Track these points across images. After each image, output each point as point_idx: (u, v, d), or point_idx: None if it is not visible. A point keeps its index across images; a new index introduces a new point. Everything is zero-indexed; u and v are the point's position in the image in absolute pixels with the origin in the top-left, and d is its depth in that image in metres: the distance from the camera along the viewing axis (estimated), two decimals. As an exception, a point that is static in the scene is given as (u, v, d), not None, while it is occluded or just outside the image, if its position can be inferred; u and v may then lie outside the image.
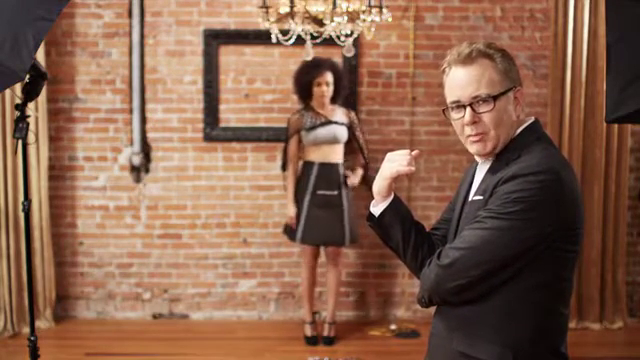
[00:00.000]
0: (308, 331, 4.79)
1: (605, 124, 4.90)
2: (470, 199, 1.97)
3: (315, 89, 4.66)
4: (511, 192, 1.80)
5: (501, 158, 1.91)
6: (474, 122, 1.89)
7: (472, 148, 1.94)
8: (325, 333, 4.79)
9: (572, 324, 5.08)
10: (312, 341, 4.75)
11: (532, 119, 1.97)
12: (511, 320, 1.84)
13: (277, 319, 5.25)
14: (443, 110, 1.97)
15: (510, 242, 1.79)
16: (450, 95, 1.93)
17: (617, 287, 5.14)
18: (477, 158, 1.99)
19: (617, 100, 2.28)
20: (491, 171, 1.92)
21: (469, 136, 1.92)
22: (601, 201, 5.05)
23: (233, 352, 4.59)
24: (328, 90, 4.66)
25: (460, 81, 1.90)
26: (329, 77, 4.66)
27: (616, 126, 4.94)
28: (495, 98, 1.87)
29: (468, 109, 1.88)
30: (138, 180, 5.17)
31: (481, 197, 1.90)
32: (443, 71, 1.95)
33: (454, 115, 1.92)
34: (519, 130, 1.93)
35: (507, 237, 1.79)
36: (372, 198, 2.05)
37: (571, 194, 1.83)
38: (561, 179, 1.81)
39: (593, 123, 4.98)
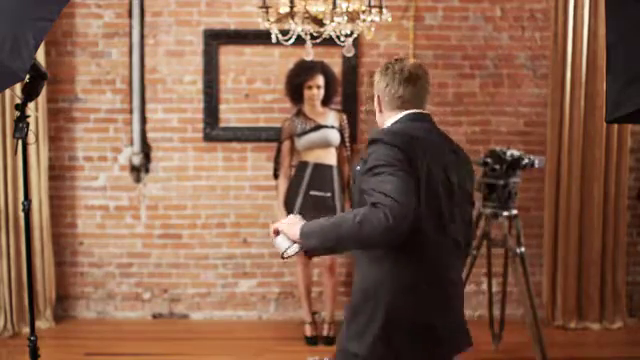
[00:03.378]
0: (308, 331, 4.79)
1: (605, 124, 4.90)
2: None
3: (306, 92, 4.68)
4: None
5: None
6: None
7: None
8: (325, 333, 4.80)
9: (572, 324, 5.09)
10: (312, 341, 4.75)
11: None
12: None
13: (277, 319, 5.25)
14: None
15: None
16: None
17: (617, 287, 5.15)
18: None
19: (617, 100, 2.28)
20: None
21: None
22: (601, 201, 5.05)
23: (233, 352, 4.59)
24: (319, 93, 4.68)
25: None
26: (320, 80, 4.67)
27: (616, 126, 4.95)
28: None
29: None
30: (138, 180, 5.18)
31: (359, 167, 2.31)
32: None
33: None
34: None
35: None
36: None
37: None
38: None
39: (593, 123, 4.98)
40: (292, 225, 2.29)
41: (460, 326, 2.38)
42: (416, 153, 2.23)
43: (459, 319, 2.39)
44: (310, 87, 4.67)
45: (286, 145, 4.76)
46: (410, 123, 2.38)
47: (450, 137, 2.50)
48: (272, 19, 3.62)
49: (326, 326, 4.81)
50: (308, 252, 2.32)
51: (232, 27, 5.10)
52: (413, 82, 2.43)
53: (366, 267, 2.31)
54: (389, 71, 2.41)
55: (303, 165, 4.73)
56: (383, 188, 2.12)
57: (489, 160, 3.98)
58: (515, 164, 3.96)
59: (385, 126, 2.42)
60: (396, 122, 2.39)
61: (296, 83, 4.71)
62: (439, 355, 2.32)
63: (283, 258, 2.35)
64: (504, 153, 3.98)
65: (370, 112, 5.19)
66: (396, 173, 2.15)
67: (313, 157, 4.72)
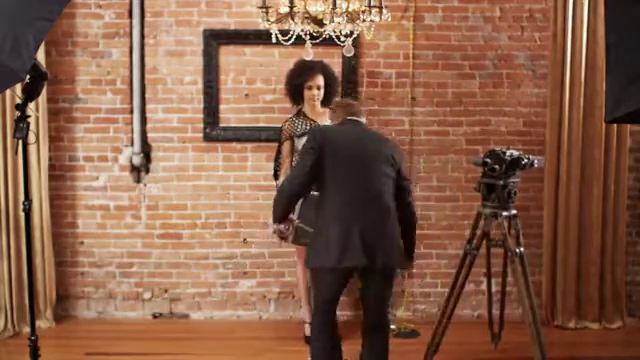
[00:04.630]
0: (308, 331, 4.79)
1: (604, 124, 4.91)
2: None
3: (306, 92, 4.68)
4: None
5: None
6: None
7: None
8: (325, 333, 4.79)
9: (571, 324, 5.10)
10: (312, 341, 4.75)
11: None
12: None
13: (277, 319, 5.26)
14: None
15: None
16: None
17: (616, 287, 5.15)
18: None
19: (617, 100, 2.29)
20: None
21: None
22: (600, 201, 5.05)
23: (233, 352, 4.59)
24: (319, 93, 4.68)
25: None
26: (320, 80, 4.67)
27: (615, 126, 4.95)
28: None
29: None
30: (138, 180, 5.18)
31: None
32: None
33: None
34: None
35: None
36: None
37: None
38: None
39: (592, 123, 4.99)
40: None
41: (364, 250, 3.42)
42: (324, 139, 3.51)
43: (370, 244, 3.43)
44: (310, 87, 4.67)
45: (286, 146, 4.76)
46: (340, 125, 3.71)
47: (377, 133, 3.95)
48: (272, 19, 3.62)
49: (326, 326, 4.81)
50: (276, 221, 3.64)
51: (232, 27, 5.11)
52: (350, 106, 3.81)
53: None
54: (339, 102, 3.97)
55: None
56: (295, 165, 3.86)
57: (488, 160, 3.97)
58: (514, 164, 3.96)
59: None
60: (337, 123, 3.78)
61: (296, 83, 4.71)
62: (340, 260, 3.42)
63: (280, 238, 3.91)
64: (503, 153, 3.98)
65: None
66: (305, 154, 3.53)
67: None
